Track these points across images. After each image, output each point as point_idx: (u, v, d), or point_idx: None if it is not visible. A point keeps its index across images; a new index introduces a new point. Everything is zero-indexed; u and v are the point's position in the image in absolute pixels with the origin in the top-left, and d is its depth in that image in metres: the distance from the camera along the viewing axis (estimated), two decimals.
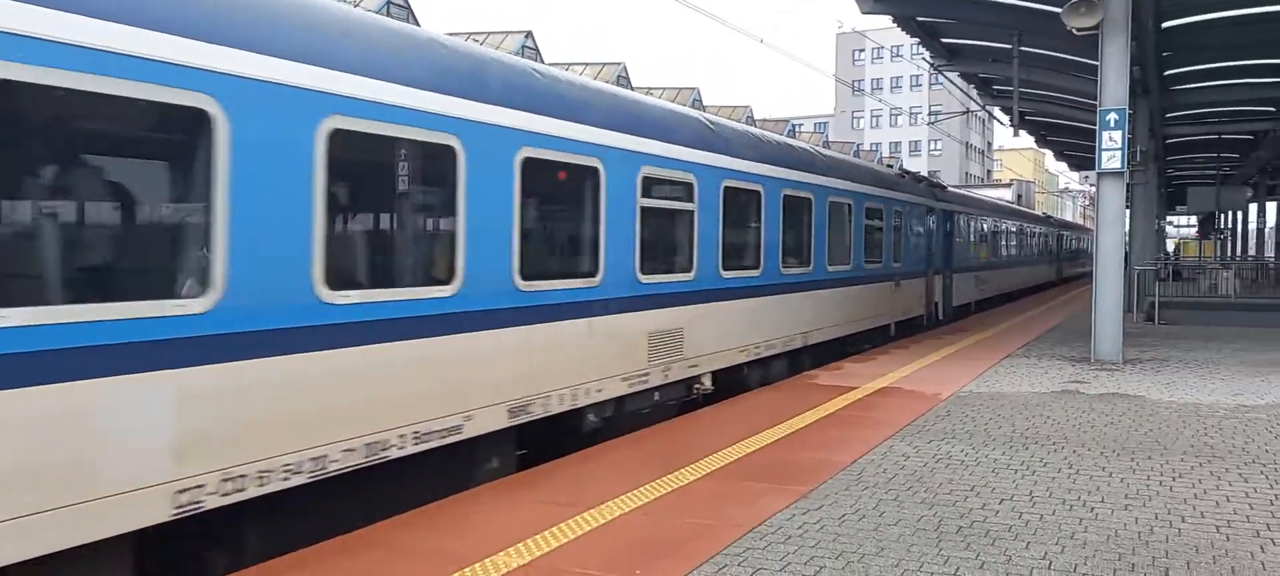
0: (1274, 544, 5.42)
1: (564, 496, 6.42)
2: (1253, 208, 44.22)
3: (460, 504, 6.38)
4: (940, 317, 21.17)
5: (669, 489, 6.64)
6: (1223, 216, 46.72)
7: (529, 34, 48.01)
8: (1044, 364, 13.66)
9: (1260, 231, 44.09)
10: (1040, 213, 47.93)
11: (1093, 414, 9.60)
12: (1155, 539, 5.52)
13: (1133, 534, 5.61)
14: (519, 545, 5.39)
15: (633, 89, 43.45)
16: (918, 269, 19.29)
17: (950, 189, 26.48)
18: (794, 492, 6.51)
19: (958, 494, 6.50)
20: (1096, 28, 13.89)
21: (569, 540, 5.51)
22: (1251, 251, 43.71)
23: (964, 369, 12.95)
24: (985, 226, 27.47)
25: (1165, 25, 18.63)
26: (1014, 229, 33.00)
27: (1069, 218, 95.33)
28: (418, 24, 37.86)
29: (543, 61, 42.19)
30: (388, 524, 5.94)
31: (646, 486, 6.66)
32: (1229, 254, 44.20)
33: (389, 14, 36.38)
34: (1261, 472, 7.10)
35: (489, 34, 46.15)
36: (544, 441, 8.16)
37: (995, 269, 28.77)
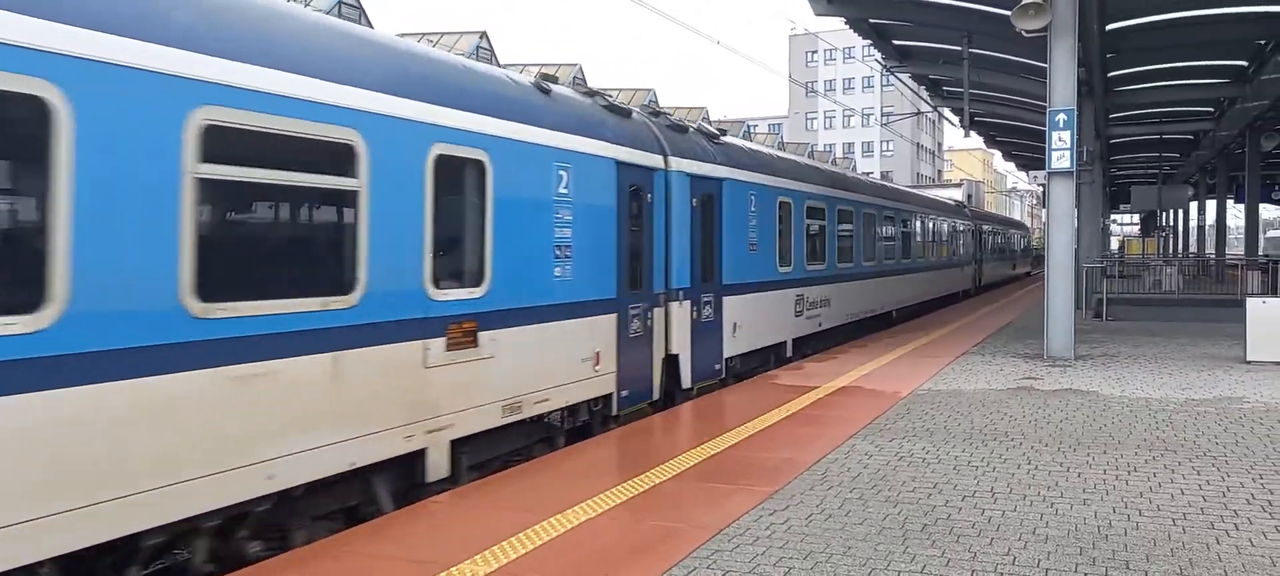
0: (1228, 535, 5.55)
1: (530, 502, 6.34)
2: (1193, 206, 45.54)
3: (428, 510, 6.27)
4: (689, 386, 10.91)
5: (636, 492, 6.60)
6: (1165, 215, 48.06)
7: (483, 35, 47.70)
8: (998, 361, 13.88)
9: (1201, 228, 45.39)
10: (950, 200, 36.42)
11: (1048, 409, 9.78)
12: (1114, 532, 5.62)
13: (1092, 527, 5.71)
14: (486, 553, 5.31)
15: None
16: (578, 297, 8.88)
17: (733, 141, 14.35)
18: (760, 493, 6.52)
19: (921, 492, 6.56)
20: (1045, 30, 14.19)
21: (537, 546, 5.44)
22: (1192, 248, 44.98)
23: (921, 367, 13.11)
24: (823, 211, 16.53)
25: (1110, 27, 19.11)
26: (891, 218, 21.90)
27: (1016, 216, 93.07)
28: (371, 25, 37.41)
29: (498, 63, 41.93)
30: (357, 531, 5.82)
31: (613, 490, 6.61)
32: (1171, 251, 45.47)
33: (340, 14, 35.86)
34: (1213, 465, 7.27)
35: (443, 34, 45.75)
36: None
37: (846, 281, 17.81)
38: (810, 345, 15.92)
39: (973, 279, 34.01)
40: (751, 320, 13.04)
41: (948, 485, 6.73)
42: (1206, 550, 5.28)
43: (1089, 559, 5.15)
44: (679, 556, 5.25)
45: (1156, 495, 6.43)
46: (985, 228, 38.61)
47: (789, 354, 14.69)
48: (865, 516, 5.99)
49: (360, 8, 40.95)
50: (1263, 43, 21.28)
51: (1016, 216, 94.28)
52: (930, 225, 26.80)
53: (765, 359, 13.94)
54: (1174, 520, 5.85)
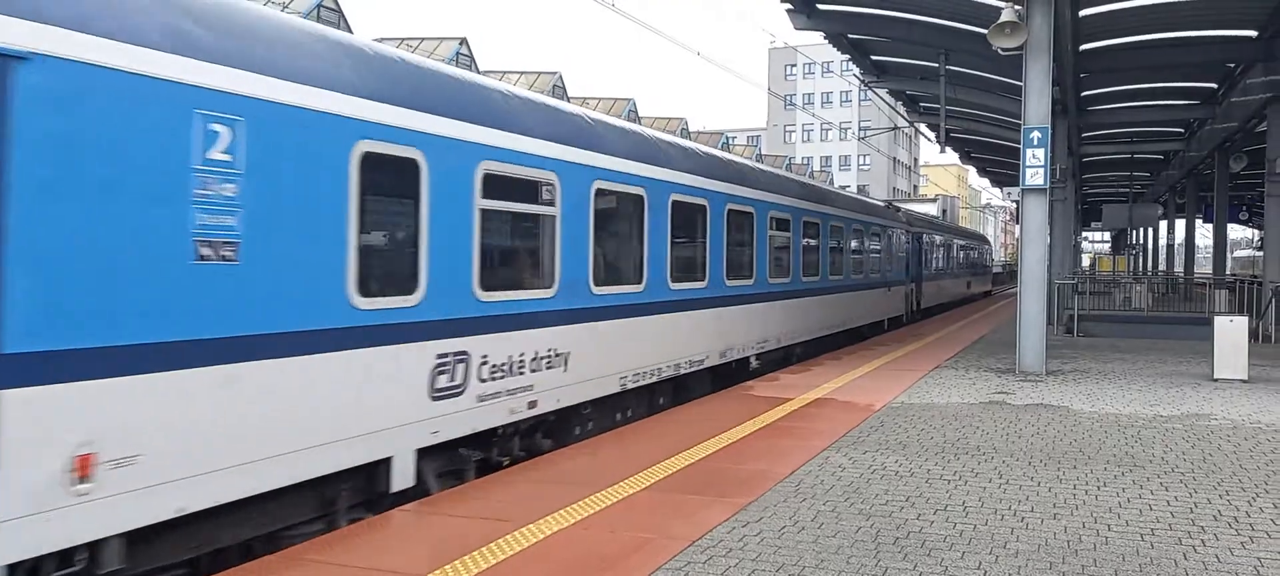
0: (1195, 551, 5.59)
1: (498, 512, 6.28)
2: (1162, 224, 46.22)
3: (391, 521, 6.19)
4: None
5: (608, 503, 6.56)
6: (1135, 233, 48.75)
7: (463, 41, 47.58)
8: (971, 375, 13.97)
9: (1170, 247, 46.06)
10: (873, 199, 29.73)
11: (1020, 424, 9.84)
12: (1084, 547, 5.65)
13: (1062, 542, 5.74)
14: (455, 563, 5.24)
15: (569, 99, 43.40)
16: None
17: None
18: (734, 504, 6.49)
19: (894, 504, 6.57)
20: (1020, 49, 14.34)
21: (504, 557, 5.38)
22: (1162, 266, 45.62)
23: (895, 380, 13.16)
24: (549, 190, 8.84)
25: (1083, 48, 19.38)
26: (743, 214, 13.70)
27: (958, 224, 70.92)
28: (350, 29, 37.26)
29: (478, 70, 41.87)
30: (319, 541, 5.73)
31: (585, 500, 6.56)
32: (1141, 269, 46.09)
33: (319, 18, 35.68)
34: (1181, 481, 7.34)
35: (422, 40, 45.64)
36: None
37: (625, 317, 10.29)
38: (505, 446, 8.38)
39: (907, 303, 26.18)
40: (187, 436, 5.30)
41: (920, 498, 6.74)
42: (1174, 566, 5.32)
43: (1059, 573, 5.17)
44: (650, 568, 5.21)
45: (1125, 510, 6.48)
46: (928, 237, 30.63)
47: (407, 482, 6.95)
48: (838, 529, 5.98)
49: (339, 11, 40.76)
50: (1232, 66, 21.68)
51: (990, 232, 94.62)
52: (828, 229, 17.92)
53: (323, 500, 6.53)
54: (1142, 535, 5.90)
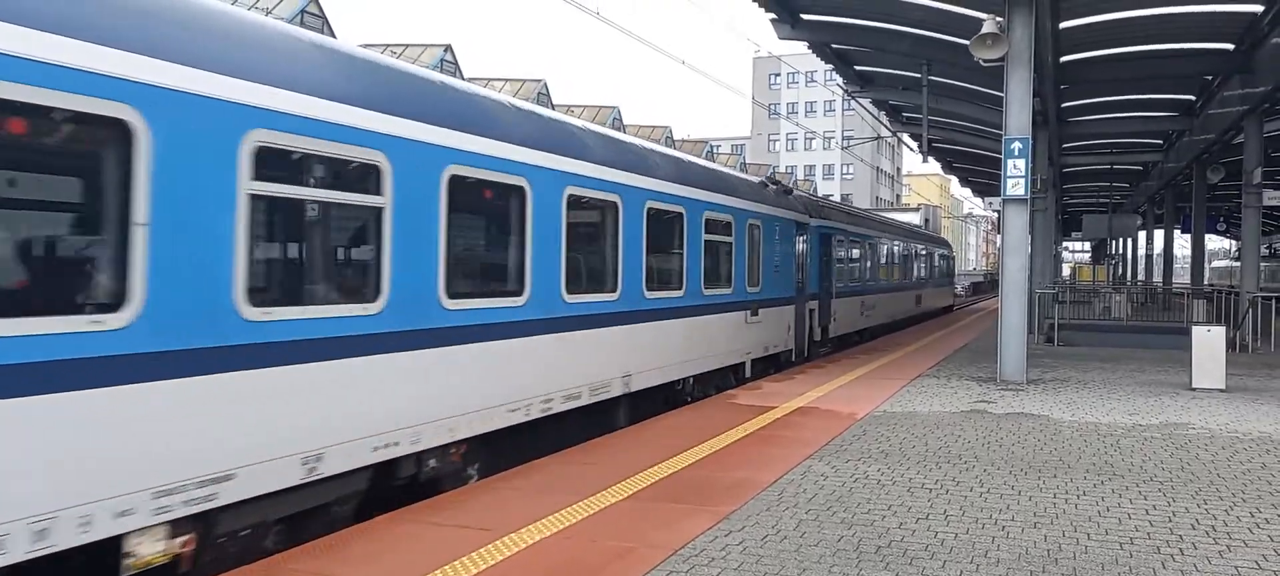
0: (1173, 560, 5.63)
1: (481, 521, 6.25)
2: (1141, 235, 46.67)
3: (372, 530, 6.14)
4: None
5: (591, 511, 6.54)
6: (1114, 243, 49.20)
7: (448, 48, 47.48)
8: (953, 384, 14.04)
9: (1149, 257, 46.50)
10: (757, 177, 18.31)
11: (1000, 433, 9.90)
12: (1063, 556, 5.68)
13: (1042, 551, 5.76)
14: (435, 572, 5.21)
15: (553, 106, 43.43)
16: None
17: None
18: (716, 513, 6.49)
19: (876, 513, 6.58)
20: (1001, 60, 14.47)
21: (486, 567, 5.35)
22: (1141, 276, 46.03)
23: (878, 389, 13.21)
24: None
25: (1063, 59, 19.57)
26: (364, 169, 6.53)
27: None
28: (333, 34, 37.14)
29: (462, 77, 41.82)
30: (297, 551, 5.68)
31: (567, 509, 6.54)
32: (1120, 278, 46.49)
33: (303, 23, 35.55)
34: (1159, 490, 7.40)
35: (407, 47, 45.54)
36: None
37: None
38: None
39: (800, 331, 17.83)
40: None
41: (902, 507, 6.77)
42: (1153, 574, 5.35)
43: None
44: None
45: (1105, 519, 6.52)
46: (845, 235, 21.96)
47: None
48: (820, 537, 5.99)
49: (323, 17, 40.61)
50: (1209, 78, 21.95)
51: (972, 241, 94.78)
52: (567, 202, 9.17)
53: None
54: (1122, 544, 5.93)
